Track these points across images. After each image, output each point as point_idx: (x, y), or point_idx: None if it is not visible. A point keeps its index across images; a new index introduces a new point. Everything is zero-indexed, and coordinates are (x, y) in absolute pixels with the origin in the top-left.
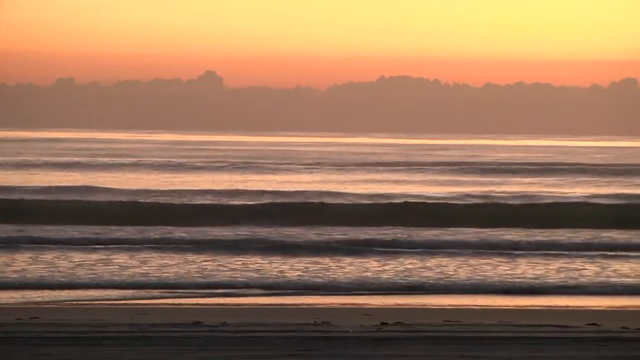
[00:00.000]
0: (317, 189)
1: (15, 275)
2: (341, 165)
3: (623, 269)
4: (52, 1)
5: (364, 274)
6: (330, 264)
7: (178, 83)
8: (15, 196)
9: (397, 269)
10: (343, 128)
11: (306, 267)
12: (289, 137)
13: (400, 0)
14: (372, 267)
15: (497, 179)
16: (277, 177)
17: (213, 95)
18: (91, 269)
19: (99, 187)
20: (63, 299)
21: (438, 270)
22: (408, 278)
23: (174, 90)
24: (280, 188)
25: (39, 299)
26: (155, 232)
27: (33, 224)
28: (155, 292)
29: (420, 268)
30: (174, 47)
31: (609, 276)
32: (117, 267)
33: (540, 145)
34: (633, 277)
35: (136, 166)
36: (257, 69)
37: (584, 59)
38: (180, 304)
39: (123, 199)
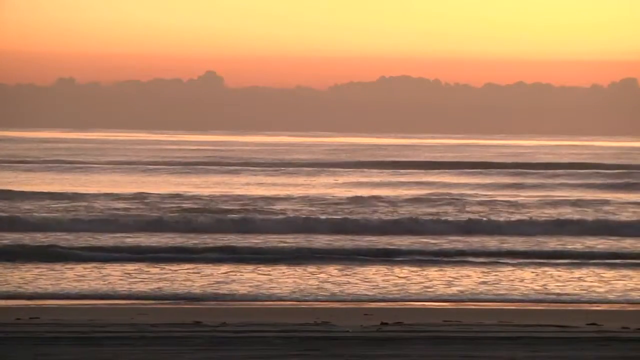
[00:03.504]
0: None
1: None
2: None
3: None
4: (53, 1)
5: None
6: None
7: (178, 83)
8: None
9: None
10: (343, 128)
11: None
12: (288, 137)
13: (401, 1)
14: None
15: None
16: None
17: (213, 95)
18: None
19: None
20: (63, 299)
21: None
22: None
23: (174, 90)
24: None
25: (39, 299)
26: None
27: None
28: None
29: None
30: (174, 47)
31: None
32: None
33: (540, 145)
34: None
35: (131, 166)
36: (257, 69)
37: (584, 59)
38: (180, 304)
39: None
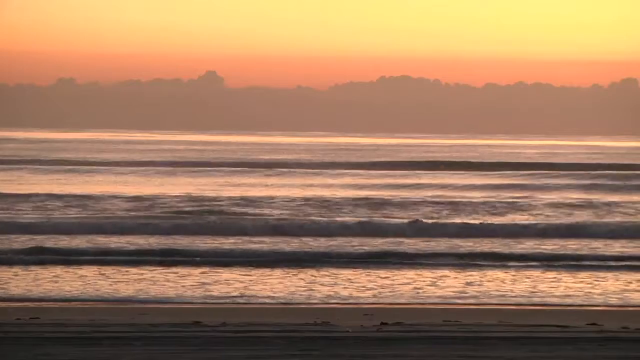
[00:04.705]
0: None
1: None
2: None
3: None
4: (53, 1)
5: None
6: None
7: (178, 83)
8: None
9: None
10: (343, 128)
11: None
12: (288, 138)
13: (401, 1)
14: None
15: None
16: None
17: (213, 95)
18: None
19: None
20: (63, 299)
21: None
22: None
23: (174, 90)
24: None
25: (39, 299)
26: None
27: None
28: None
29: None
30: (174, 47)
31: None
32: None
33: (541, 144)
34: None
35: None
36: (257, 69)
37: (584, 59)
38: (180, 304)
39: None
